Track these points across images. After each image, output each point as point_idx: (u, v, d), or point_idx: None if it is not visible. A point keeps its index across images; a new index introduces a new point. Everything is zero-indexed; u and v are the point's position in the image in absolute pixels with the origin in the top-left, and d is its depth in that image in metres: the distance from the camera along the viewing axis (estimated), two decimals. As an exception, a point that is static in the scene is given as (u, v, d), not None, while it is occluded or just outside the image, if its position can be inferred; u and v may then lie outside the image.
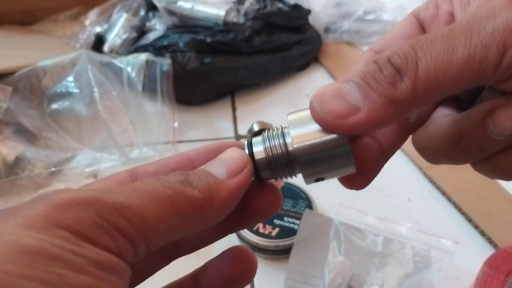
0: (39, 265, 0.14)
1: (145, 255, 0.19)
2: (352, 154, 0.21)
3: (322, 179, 0.22)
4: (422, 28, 0.27)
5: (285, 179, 0.23)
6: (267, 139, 0.22)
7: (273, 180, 0.24)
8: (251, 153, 0.22)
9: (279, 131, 0.23)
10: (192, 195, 0.18)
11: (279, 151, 0.22)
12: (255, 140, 0.23)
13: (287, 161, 0.22)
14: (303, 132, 0.21)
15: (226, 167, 0.21)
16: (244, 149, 0.23)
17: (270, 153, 0.22)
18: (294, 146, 0.21)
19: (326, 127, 0.20)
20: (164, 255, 0.24)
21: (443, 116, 0.25)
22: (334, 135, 0.21)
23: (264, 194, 0.23)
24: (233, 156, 0.21)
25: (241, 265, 0.24)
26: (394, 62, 0.19)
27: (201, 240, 0.25)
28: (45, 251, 0.14)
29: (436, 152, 0.24)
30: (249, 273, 0.24)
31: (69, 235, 0.15)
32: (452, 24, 0.20)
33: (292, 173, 0.23)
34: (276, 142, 0.22)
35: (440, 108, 0.26)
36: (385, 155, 0.25)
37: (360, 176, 0.23)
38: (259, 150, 0.22)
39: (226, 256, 0.24)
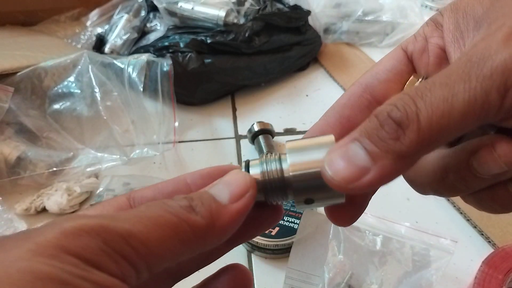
0: None
1: (150, 280, 0.19)
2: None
3: (312, 203, 0.23)
4: (410, 61, 0.27)
5: (274, 203, 0.24)
6: (264, 163, 0.23)
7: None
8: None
9: (277, 157, 0.23)
10: (195, 222, 0.19)
11: (275, 176, 0.23)
12: (252, 162, 0.24)
13: (281, 186, 0.23)
14: (299, 160, 0.22)
15: (229, 190, 0.21)
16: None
17: (266, 177, 0.23)
18: (290, 173, 0.22)
19: (340, 191, 0.21)
20: (169, 277, 0.24)
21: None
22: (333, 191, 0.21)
23: (266, 209, 0.24)
24: (237, 179, 0.21)
25: (236, 282, 0.24)
26: (394, 117, 0.19)
27: (206, 257, 0.25)
28: (56, 276, 0.15)
29: (424, 185, 0.25)
30: None
31: (78, 262, 0.16)
32: (449, 68, 0.20)
33: (285, 198, 0.23)
34: (273, 167, 0.23)
35: None
36: (374, 190, 0.25)
37: (350, 215, 0.24)
38: (256, 172, 0.23)
39: (224, 274, 0.25)
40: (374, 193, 0.26)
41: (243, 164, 0.24)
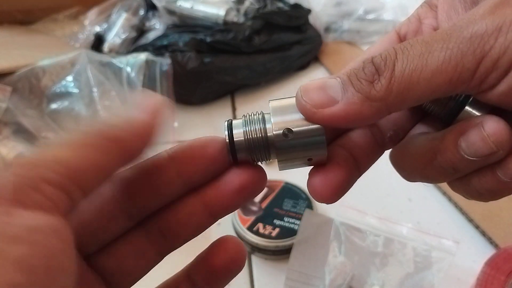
0: None
1: (135, 253, 0.18)
2: (325, 164, 0.23)
3: (294, 160, 0.23)
4: None
5: (259, 163, 0.24)
6: (248, 123, 0.23)
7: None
8: (231, 135, 0.23)
9: (260, 116, 0.23)
10: (110, 132, 0.19)
11: (258, 135, 0.23)
12: (235, 122, 0.24)
13: (264, 145, 0.23)
14: (282, 119, 0.22)
15: (141, 108, 0.22)
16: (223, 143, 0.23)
17: (249, 136, 0.23)
18: (274, 132, 0.22)
19: (304, 114, 0.22)
20: (154, 252, 0.23)
21: (420, 134, 0.25)
22: (311, 125, 0.22)
23: (248, 172, 0.24)
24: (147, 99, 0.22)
25: (229, 253, 0.24)
26: (375, 61, 0.20)
27: (191, 229, 0.24)
28: None
29: (411, 169, 0.24)
30: (238, 259, 0.24)
31: None
32: (437, 30, 0.20)
33: (268, 158, 0.24)
34: (256, 127, 0.23)
35: (419, 125, 0.26)
36: (359, 169, 0.25)
37: (330, 188, 0.23)
38: (238, 132, 0.23)
39: (214, 247, 0.24)
40: (360, 175, 0.25)
41: (226, 124, 0.23)
